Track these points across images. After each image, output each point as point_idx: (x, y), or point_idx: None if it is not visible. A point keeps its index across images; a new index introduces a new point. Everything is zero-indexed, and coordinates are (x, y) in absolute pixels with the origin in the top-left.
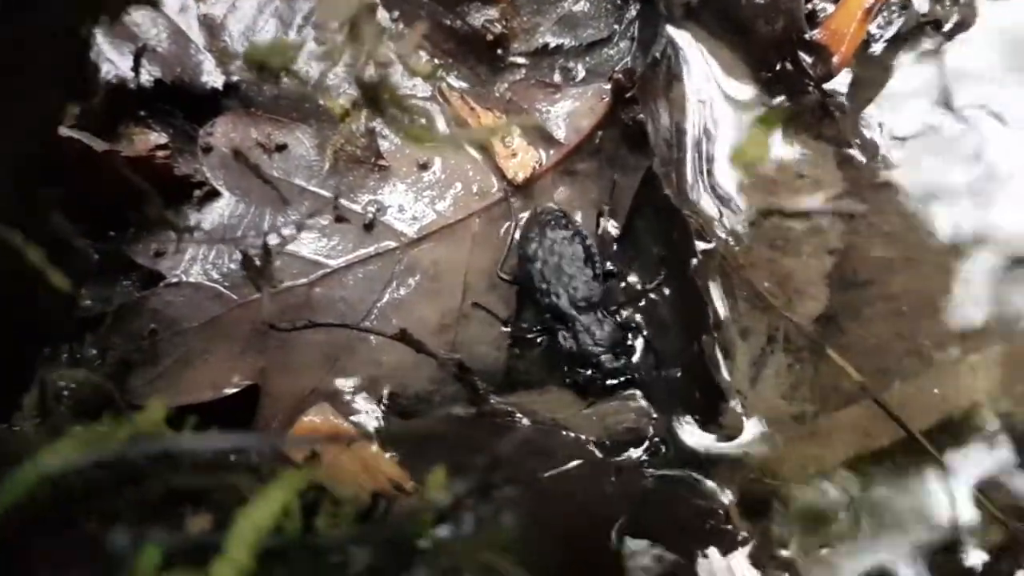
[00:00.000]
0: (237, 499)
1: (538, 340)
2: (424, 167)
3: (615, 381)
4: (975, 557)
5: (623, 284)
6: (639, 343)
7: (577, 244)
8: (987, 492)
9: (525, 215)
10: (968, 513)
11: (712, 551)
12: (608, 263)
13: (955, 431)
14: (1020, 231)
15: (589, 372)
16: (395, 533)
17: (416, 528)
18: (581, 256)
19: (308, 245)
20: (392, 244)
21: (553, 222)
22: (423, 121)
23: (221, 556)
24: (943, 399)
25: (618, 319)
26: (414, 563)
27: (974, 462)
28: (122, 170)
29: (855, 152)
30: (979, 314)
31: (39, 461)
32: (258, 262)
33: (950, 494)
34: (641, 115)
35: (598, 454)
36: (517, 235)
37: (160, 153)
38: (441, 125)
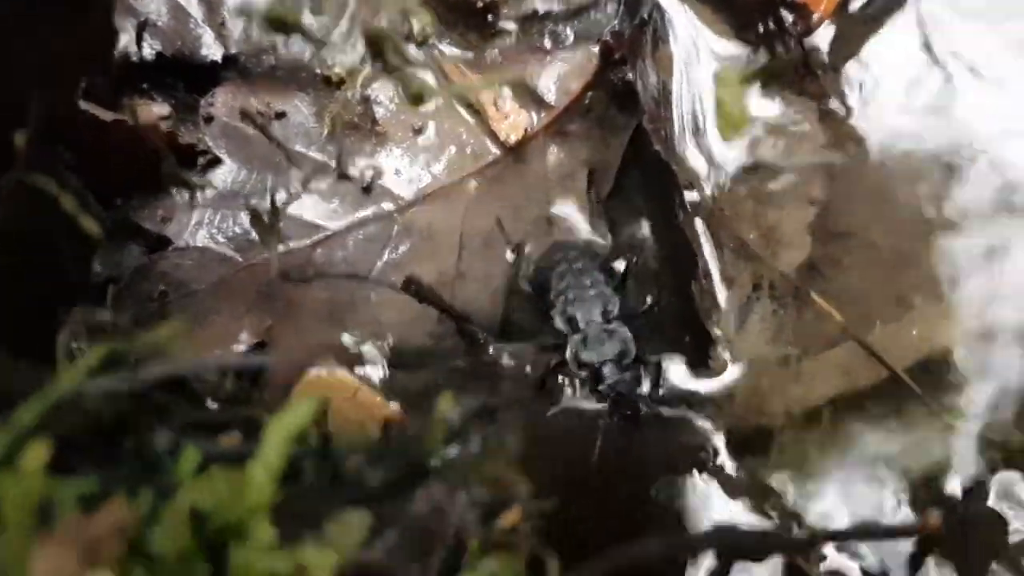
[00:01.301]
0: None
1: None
2: (419, 132)
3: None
4: (953, 485)
5: (613, 236)
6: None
7: (599, 278)
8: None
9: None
10: (947, 445)
11: (700, 481)
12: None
13: (934, 370)
14: (994, 183)
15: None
16: (407, 453)
17: (426, 448)
18: (603, 289)
19: (309, 209)
20: (389, 206)
21: (573, 255)
22: (422, 78)
23: (254, 459)
24: (922, 340)
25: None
26: (427, 479)
27: (952, 397)
28: (136, 131)
29: (836, 107)
30: (955, 261)
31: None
32: (266, 219)
33: (930, 429)
34: (629, 76)
35: (590, 395)
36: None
37: (164, 123)
38: (435, 91)
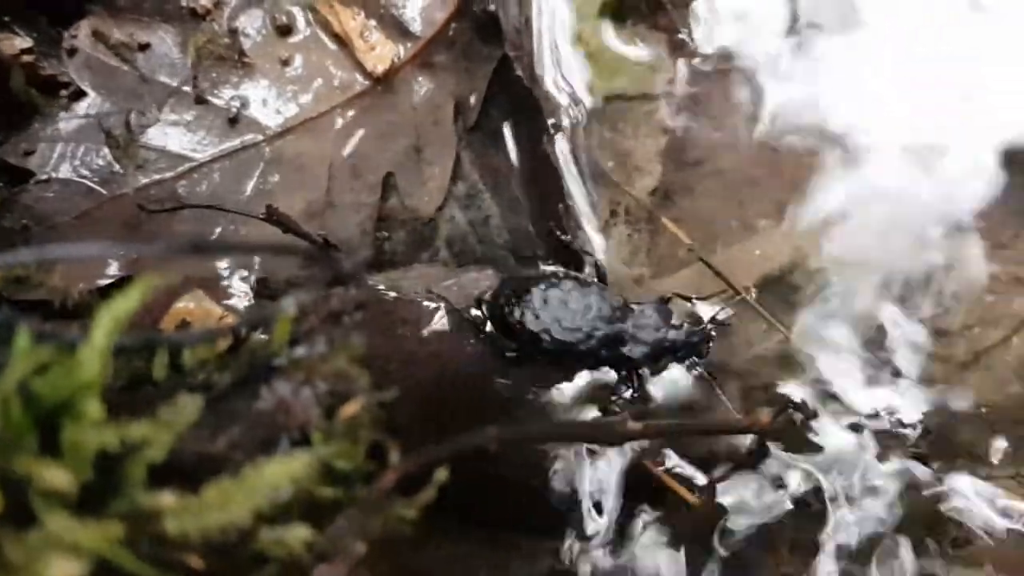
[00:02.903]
0: None
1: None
2: (286, 63)
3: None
4: (787, 390)
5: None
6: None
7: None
8: (799, 335)
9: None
10: (784, 352)
11: (562, 392)
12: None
13: (773, 288)
14: (833, 114)
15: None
16: (253, 355)
17: (272, 350)
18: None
19: (174, 140)
20: (257, 137)
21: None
22: (289, 9)
23: (85, 343)
24: (763, 259)
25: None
26: (272, 377)
27: (788, 311)
28: None
29: (686, 40)
30: (795, 187)
31: None
32: (129, 151)
33: (768, 341)
34: (492, 7)
35: (458, 318)
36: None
37: (26, 57)
38: (302, 22)
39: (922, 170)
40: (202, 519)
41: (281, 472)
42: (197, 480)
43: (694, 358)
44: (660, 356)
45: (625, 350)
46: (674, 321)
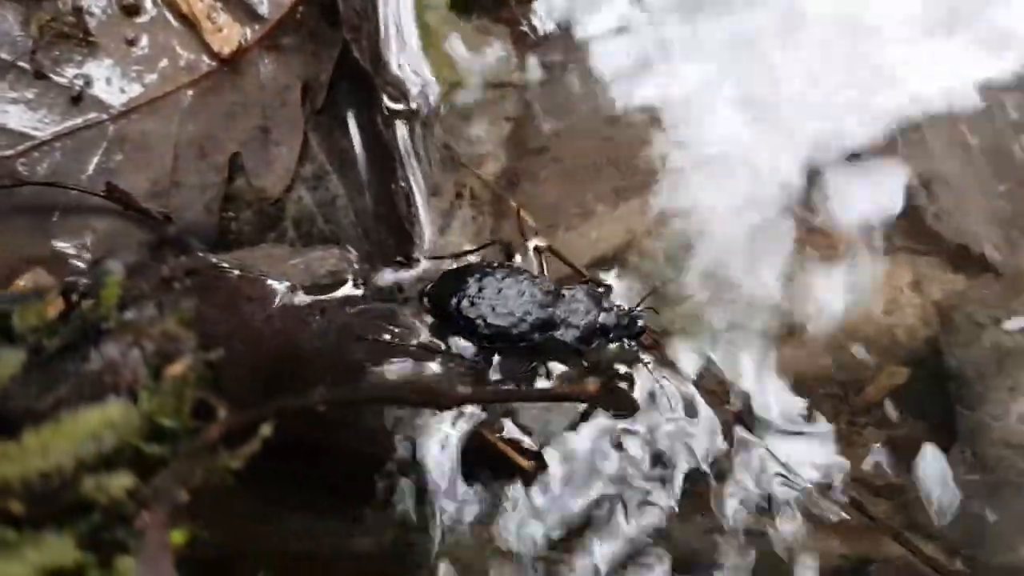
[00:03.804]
0: None
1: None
2: (132, 43)
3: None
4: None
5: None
6: (340, 201)
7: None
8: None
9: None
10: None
11: (403, 366)
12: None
13: (608, 268)
14: (670, 105)
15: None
16: (83, 319)
17: (101, 313)
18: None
19: (14, 118)
20: (101, 116)
21: (489, 272)
22: None
23: None
24: (599, 242)
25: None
26: (101, 339)
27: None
28: None
29: (529, 32)
30: (631, 174)
31: None
32: None
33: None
34: None
35: (304, 296)
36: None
37: None
38: (149, 2)
39: (751, 170)
40: (22, 465)
41: (99, 419)
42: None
43: (628, 339)
44: (592, 339)
45: (557, 334)
46: (605, 304)
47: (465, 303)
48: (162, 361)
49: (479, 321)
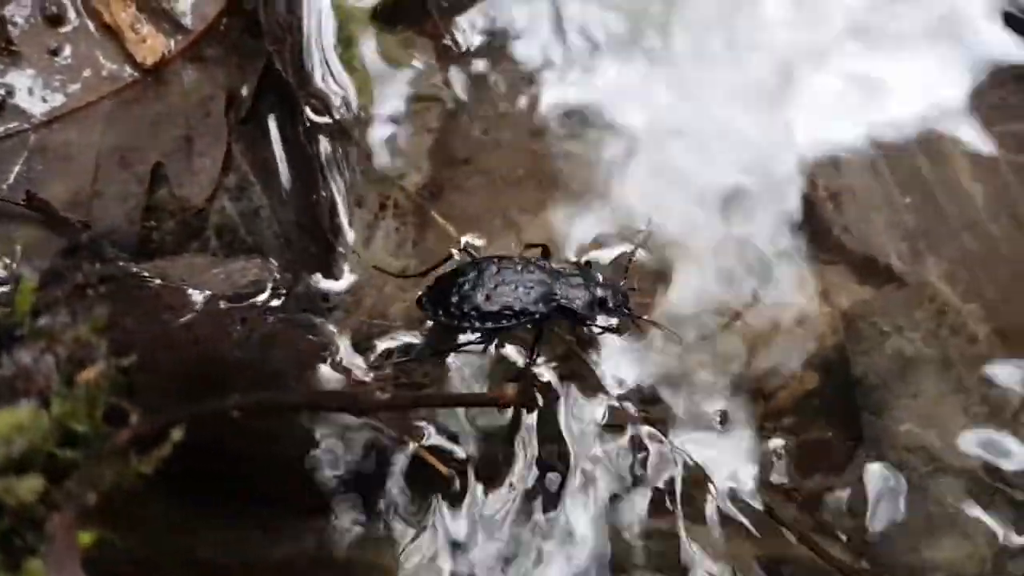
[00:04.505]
0: None
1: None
2: (55, 53)
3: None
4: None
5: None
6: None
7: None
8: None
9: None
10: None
11: (325, 374)
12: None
13: None
14: (592, 118)
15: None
16: None
17: (14, 320)
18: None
19: None
20: (22, 125)
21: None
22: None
23: None
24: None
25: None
26: (13, 346)
27: None
28: None
29: (451, 45)
30: (553, 186)
31: None
32: None
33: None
34: (253, 4)
35: (226, 306)
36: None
37: None
38: (72, 13)
39: (676, 179)
40: None
41: (9, 423)
42: None
43: (622, 310)
44: (593, 308)
45: (564, 302)
46: (598, 278)
47: (467, 289)
48: (75, 367)
49: (482, 303)
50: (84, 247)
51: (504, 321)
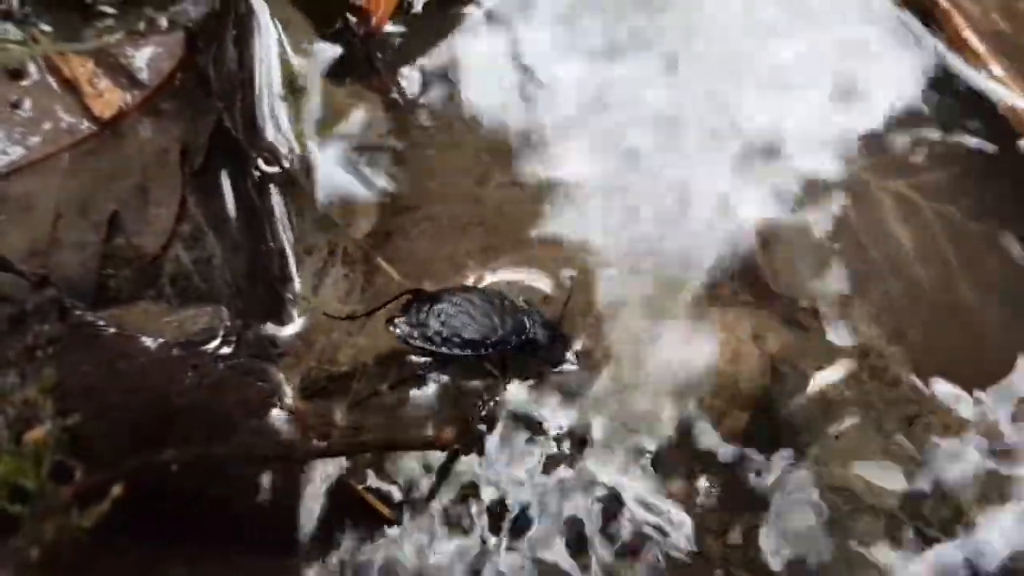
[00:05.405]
0: None
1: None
2: (16, 105)
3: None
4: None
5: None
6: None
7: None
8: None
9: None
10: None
11: (273, 419)
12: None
13: None
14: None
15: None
16: None
17: None
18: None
19: None
20: None
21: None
22: (21, 54)
23: None
24: None
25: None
26: None
27: None
28: None
29: (398, 98)
30: (496, 234)
31: None
32: None
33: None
34: (203, 61)
35: (178, 352)
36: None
37: None
38: (33, 68)
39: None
40: None
41: None
42: None
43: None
44: (552, 345)
45: (531, 335)
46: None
47: (443, 318)
48: (23, 426)
49: (455, 338)
50: (34, 310)
51: (482, 349)
